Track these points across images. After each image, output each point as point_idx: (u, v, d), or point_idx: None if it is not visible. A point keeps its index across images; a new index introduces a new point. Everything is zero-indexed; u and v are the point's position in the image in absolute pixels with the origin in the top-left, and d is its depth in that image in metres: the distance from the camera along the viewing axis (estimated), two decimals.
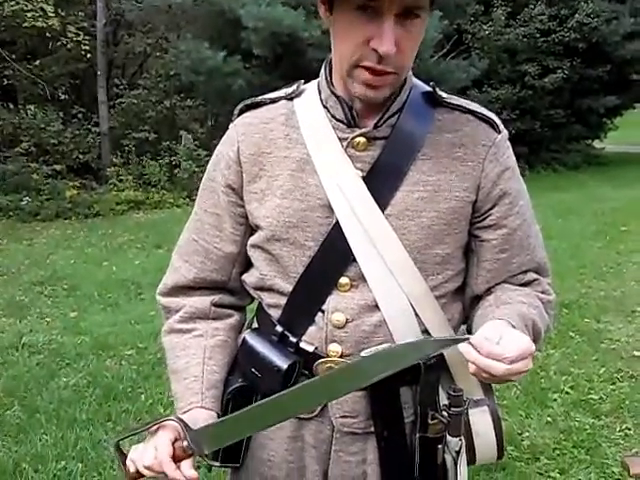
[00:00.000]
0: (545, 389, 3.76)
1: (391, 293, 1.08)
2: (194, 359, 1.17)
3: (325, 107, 1.11)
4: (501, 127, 1.14)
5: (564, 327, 4.73)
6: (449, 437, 1.08)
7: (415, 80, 1.15)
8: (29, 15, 11.91)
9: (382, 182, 1.08)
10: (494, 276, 1.15)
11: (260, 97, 1.19)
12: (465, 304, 1.20)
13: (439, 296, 1.12)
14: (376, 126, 1.08)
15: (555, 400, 3.63)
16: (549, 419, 3.42)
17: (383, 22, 0.96)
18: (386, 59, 0.98)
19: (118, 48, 15.36)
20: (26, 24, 12.02)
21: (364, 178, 1.08)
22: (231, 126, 1.19)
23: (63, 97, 14.57)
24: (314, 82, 1.17)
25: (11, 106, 14.91)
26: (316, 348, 1.11)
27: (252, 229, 1.17)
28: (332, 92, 1.10)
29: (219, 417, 1.13)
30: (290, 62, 11.61)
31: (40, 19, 12.00)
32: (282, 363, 1.10)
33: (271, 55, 11.57)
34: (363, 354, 1.07)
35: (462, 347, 0.94)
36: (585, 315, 5.03)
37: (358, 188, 1.07)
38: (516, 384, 3.74)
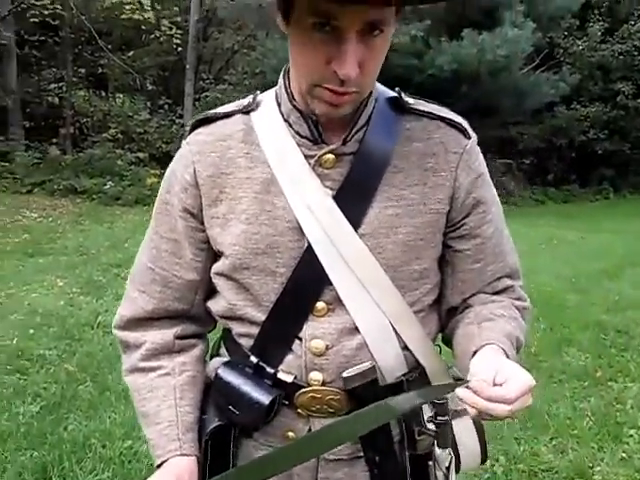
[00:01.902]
0: (621, 423, 3.57)
1: (370, 314, 1.03)
2: (165, 401, 1.10)
3: (287, 122, 1.03)
4: (471, 132, 1.09)
5: None
6: (438, 451, 1.03)
7: (380, 87, 1.06)
8: (127, 7, 12.39)
9: (353, 200, 1.01)
10: (469, 286, 1.11)
11: (213, 111, 1.09)
12: (441, 315, 1.15)
13: (417, 311, 1.07)
14: (344, 142, 1.01)
15: (631, 436, 3.44)
16: (624, 455, 3.25)
17: (344, 42, 0.87)
18: (348, 81, 0.90)
19: (207, 43, 15.75)
20: (123, 16, 12.49)
21: (334, 197, 1.01)
22: (184, 144, 1.09)
23: (151, 88, 15.05)
24: (270, 92, 1.08)
25: (102, 94, 15.55)
26: (295, 377, 1.05)
27: (215, 255, 1.09)
28: (294, 106, 1.01)
29: (199, 461, 1.08)
30: None
31: (137, 12, 12.45)
32: (263, 398, 1.03)
33: None
34: (345, 375, 1.03)
35: (461, 392, 0.89)
36: None
37: (329, 208, 1.00)
38: (589, 414, 3.59)
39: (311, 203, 1.01)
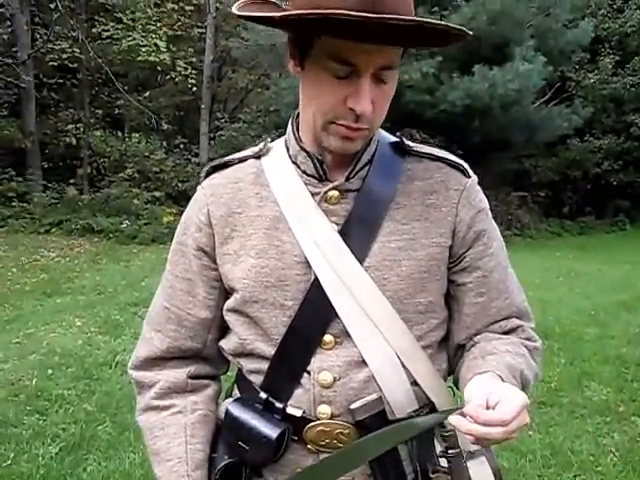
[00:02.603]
0: None
1: (377, 347, 1.05)
2: (175, 439, 1.12)
3: (295, 163, 1.09)
4: (470, 172, 1.13)
5: None
6: None
7: (381, 131, 1.12)
8: (143, 50, 12.66)
9: (358, 234, 1.05)
10: (473, 321, 1.12)
11: (228, 157, 1.16)
12: (449, 354, 1.16)
13: (425, 346, 1.09)
14: (348, 178, 1.06)
15: None
16: None
17: (360, 82, 0.95)
18: (362, 117, 0.97)
19: (222, 83, 16.03)
20: (140, 58, 12.77)
21: (340, 231, 1.05)
22: (199, 189, 1.15)
23: (167, 127, 15.29)
24: (281, 140, 1.15)
25: (119, 134, 15.81)
26: (304, 412, 1.06)
27: (227, 293, 1.13)
28: (301, 147, 1.08)
29: None
30: None
31: (153, 54, 12.71)
32: (271, 432, 1.04)
33: None
34: (353, 407, 1.03)
35: (453, 420, 0.89)
36: None
37: (335, 242, 1.05)
38: (613, 451, 3.52)
39: (318, 238, 1.05)
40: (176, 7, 13.73)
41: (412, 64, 11.30)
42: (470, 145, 11.94)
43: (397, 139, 1.13)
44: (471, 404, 0.90)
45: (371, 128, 1.02)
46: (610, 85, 14.75)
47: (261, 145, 1.15)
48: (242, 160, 1.15)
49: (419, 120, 11.53)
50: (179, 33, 14.12)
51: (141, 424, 1.17)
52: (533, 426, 3.68)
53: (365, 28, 0.86)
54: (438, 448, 1.07)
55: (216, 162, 1.17)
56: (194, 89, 13.86)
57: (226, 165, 1.15)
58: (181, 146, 14.66)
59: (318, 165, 1.07)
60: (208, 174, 1.16)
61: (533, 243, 13.22)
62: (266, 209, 1.09)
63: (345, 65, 0.94)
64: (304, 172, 1.08)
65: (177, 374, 1.16)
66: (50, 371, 4.50)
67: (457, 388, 1.17)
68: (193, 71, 13.56)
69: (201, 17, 14.46)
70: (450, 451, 0.99)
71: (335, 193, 1.06)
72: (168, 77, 14.18)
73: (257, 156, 1.14)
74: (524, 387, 1.05)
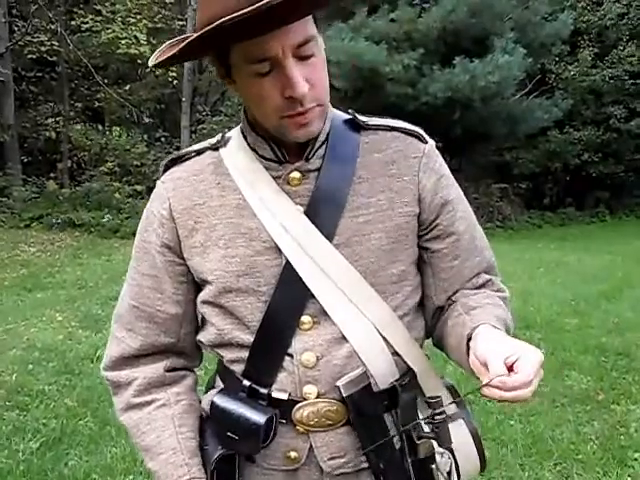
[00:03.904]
0: (625, 447, 3.54)
1: (355, 322, 1.06)
2: (165, 431, 1.11)
3: (253, 149, 1.09)
4: (427, 138, 1.14)
5: None
6: (438, 458, 1.06)
7: (335, 110, 1.13)
8: (123, 42, 12.54)
9: (324, 213, 1.06)
10: (451, 283, 1.15)
11: (185, 150, 1.16)
12: (427, 317, 1.19)
13: (402, 315, 1.11)
14: (307, 159, 1.06)
15: (636, 460, 3.41)
16: (629, 479, 3.23)
17: (285, 70, 0.94)
18: (304, 99, 0.97)
19: (203, 76, 15.92)
20: (120, 51, 12.65)
21: (305, 212, 1.06)
22: (159, 183, 1.14)
23: (148, 121, 15.17)
24: (237, 129, 1.14)
25: (99, 127, 15.68)
26: (290, 394, 1.07)
27: (197, 286, 1.13)
28: (257, 133, 1.08)
29: None
30: (370, 96, 11.71)
31: (133, 46, 12.60)
32: (259, 418, 1.04)
33: (351, 88, 11.70)
34: (338, 383, 1.05)
35: (487, 392, 0.91)
36: None
37: (302, 223, 1.05)
38: (593, 438, 3.56)
39: (284, 221, 1.05)
40: None
41: (393, 57, 11.31)
42: (452, 137, 11.99)
43: (350, 115, 1.13)
44: (495, 376, 0.90)
45: (320, 102, 1.01)
46: (589, 77, 14.87)
47: (218, 136, 1.14)
48: (199, 152, 1.14)
49: (401, 113, 11.49)
50: (159, 25, 14.00)
51: (125, 423, 1.16)
52: (514, 415, 3.72)
53: (258, 20, 0.85)
54: (421, 415, 1.09)
55: (174, 155, 1.15)
56: (175, 82, 13.77)
57: (184, 158, 1.14)
58: (162, 139, 14.57)
59: (276, 148, 1.07)
60: (167, 168, 1.14)
61: (514, 235, 13.32)
62: (228, 198, 1.08)
63: (263, 62, 0.94)
64: (263, 157, 1.08)
65: (153, 369, 1.15)
66: (30, 366, 4.47)
67: (439, 347, 1.19)
68: None
69: (181, 9, 14.35)
70: (436, 417, 1.00)
71: (296, 174, 1.06)
72: (148, 70, 14.07)
73: (215, 147, 1.13)
74: (508, 334, 1.06)
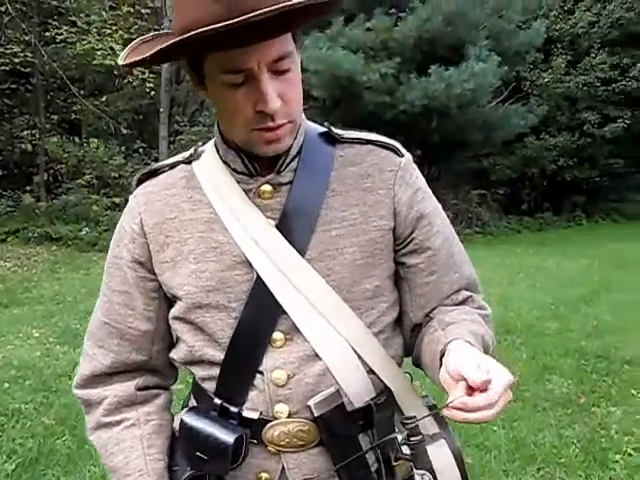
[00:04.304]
0: (606, 449, 3.56)
1: (329, 339, 1.03)
2: (133, 452, 1.09)
3: (225, 163, 1.06)
4: (403, 151, 1.12)
5: (625, 384, 4.52)
6: (417, 478, 1.02)
7: (309, 123, 1.11)
8: (99, 53, 12.45)
9: (296, 227, 1.03)
10: (428, 300, 1.12)
11: (157, 164, 1.14)
12: (405, 335, 1.16)
13: (378, 332, 1.07)
14: (279, 172, 1.04)
15: (617, 462, 3.43)
16: None
17: (259, 83, 0.93)
18: (276, 114, 0.95)
19: (180, 86, 15.86)
20: (95, 62, 12.56)
21: (277, 226, 1.03)
22: (131, 198, 1.12)
23: (125, 132, 15.07)
24: (211, 142, 1.12)
25: (76, 139, 15.53)
26: (261, 413, 1.04)
27: (169, 302, 1.11)
28: (229, 146, 1.06)
29: None
30: (347, 105, 11.77)
31: (109, 57, 12.51)
32: (228, 438, 1.01)
33: (329, 98, 11.74)
34: (310, 403, 1.02)
35: (447, 413, 0.88)
36: None
37: (273, 237, 1.02)
38: (575, 442, 3.58)
39: (255, 235, 1.03)
40: (132, 10, 13.54)
41: (370, 66, 11.37)
42: (430, 145, 12.08)
43: (325, 128, 1.11)
44: (457, 397, 0.87)
45: (292, 119, 0.99)
46: (563, 84, 15.10)
47: (191, 150, 1.12)
48: (172, 166, 1.12)
49: (379, 121, 11.59)
50: (135, 36, 13.85)
51: (94, 442, 1.14)
52: (497, 421, 3.72)
53: (236, 33, 0.84)
54: (399, 435, 1.06)
55: (146, 170, 1.13)
56: (152, 93, 13.70)
57: (157, 172, 1.12)
58: (140, 150, 14.47)
59: (247, 161, 1.04)
60: (139, 182, 1.12)
61: (493, 240, 13.41)
62: (200, 212, 1.06)
63: (237, 73, 0.93)
64: (235, 170, 1.06)
65: (124, 388, 1.13)
66: (7, 384, 4.38)
67: (417, 366, 1.16)
68: (151, 74, 13.38)
69: (158, 20, 14.29)
70: (412, 438, 0.98)
71: (268, 187, 1.04)
72: (125, 81, 13.99)
73: (187, 161, 1.11)
74: (486, 352, 1.04)
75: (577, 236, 14.13)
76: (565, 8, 16.02)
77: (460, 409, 0.86)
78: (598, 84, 15.06)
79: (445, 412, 0.88)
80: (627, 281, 8.01)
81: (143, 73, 13.20)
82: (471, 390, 0.87)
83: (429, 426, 1.07)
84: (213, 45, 0.88)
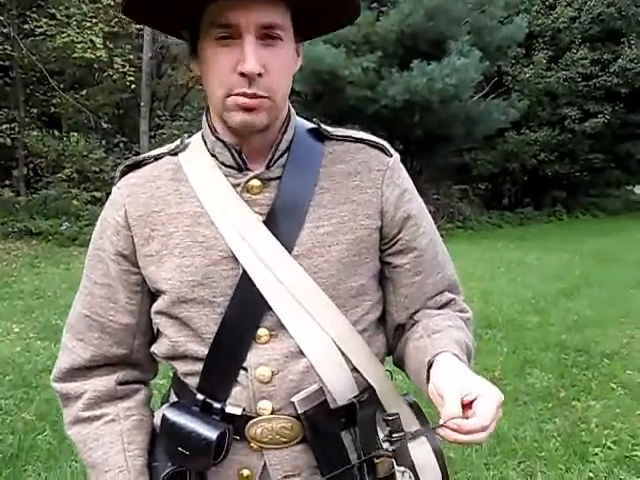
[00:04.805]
0: (586, 443, 3.61)
1: (313, 336, 1.03)
2: (112, 448, 1.08)
3: (213, 155, 1.05)
4: (392, 151, 1.12)
5: (605, 378, 4.58)
6: (399, 476, 1.02)
7: (299, 119, 1.11)
8: (79, 47, 12.31)
9: (284, 223, 1.03)
10: (412, 300, 1.12)
11: (142, 156, 1.12)
12: (388, 335, 1.16)
13: (362, 330, 1.08)
14: (268, 167, 1.03)
15: (597, 454, 3.48)
16: (591, 475, 3.27)
17: (243, 43, 0.94)
18: (255, 81, 0.94)
19: (161, 80, 15.76)
20: (75, 55, 12.42)
21: (265, 222, 1.02)
22: (114, 189, 1.10)
23: (106, 126, 14.92)
24: (198, 134, 1.11)
25: (56, 133, 15.36)
26: (244, 410, 1.03)
27: (152, 296, 1.09)
28: (217, 138, 1.04)
29: None
30: (330, 99, 11.75)
31: (89, 50, 12.38)
32: (210, 434, 0.99)
33: (311, 92, 11.72)
34: (294, 399, 1.02)
35: (441, 432, 0.88)
36: (627, 367, 4.85)
37: (260, 233, 1.02)
38: (555, 435, 3.62)
39: (242, 230, 1.02)
40: (112, 3, 13.37)
41: (352, 60, 11.37)
42: (412, 140, 12.11)
43: (314, 125, 1.10)
44: (451, 419, 0.87)
45: (272, 97, 0.97)
46: (544, 79, 15.21)
47: (177, 142, 1.11)
48: (158, 158, 1.10)
49: (361, 115, 11.61)
50: (116, 29, 13.77)
51: (73, 438, 1.12)
52: None
53: None
54: (381, 433, 1.06)
55: (131, 161, 1.11)
56: (133, 87, 13.58)
57: (141, 164, 1.10)
58: (121, 145, 14.34)
59: (236, 155, 1.03)
60: (123, 174, 1.10)
61: (475, 235, 13.50)
62: (186, 205, 1.05)
63: (226, 28, 0.94)
64: (223, 163, 1.04)
65: (104, 382, 1.12)
66: None
67: (399, 367, 1.17)
68: (131, 68, 13.26)
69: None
70: (394, 435, 0.97)
71: (256, 182, 1.03)
72: (106, 74, 13.84)
73: (174, 153, 1.10)
74: (469, 358, 1.05)
75: (558, 230, 14.27)
76: (546, 3, 16.13)
77: (453, 429, 0.87)
78: (579, 79, 15.19)
79: (439, 431, 0.89)
80: (607, 276, 8.12)
81: (124, 67, 13.09)
82: (464, 408, 0.87)
83: (409, 422, 1.08)
84: None
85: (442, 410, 0.88)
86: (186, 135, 1.13)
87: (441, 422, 0.88)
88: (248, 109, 0.97)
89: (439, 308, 1.14)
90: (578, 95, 15.32)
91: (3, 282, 7.81)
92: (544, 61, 15.27)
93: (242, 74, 0.94)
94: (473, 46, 11.83)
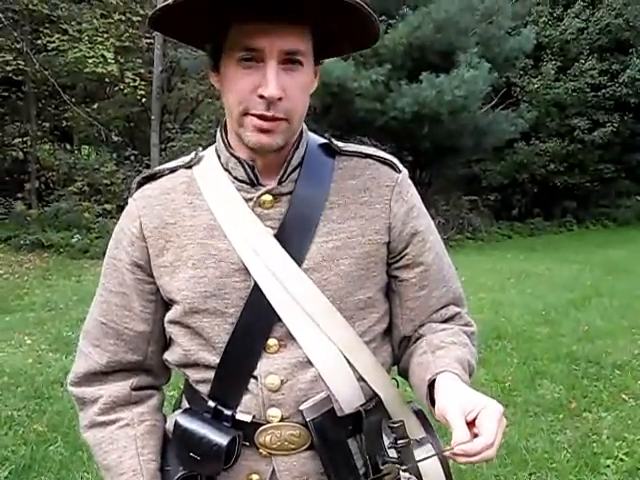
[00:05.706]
0: (597, 454, 3.59)
1: (321, 346, 1.06)
2: (127, 452, 1.11)
3: (226, 170, 1.09)
4: (400, 167, 1.15)
5: (616, 389, 4.55)
6: None
7: (311, 134, 1.14)
8: (90, 61, 12.43)
9: (294, 237, 1.06)
10: (418, 314, 1.15)
11: (158, 168, 1.16)
12: (394, 346, 1.19)
13: (369, 341, 1.11)
14: (280, 182, 1.07)
15: (608, 466, 3.46)
16: None
17: (266, 67, 0.97)
18: (274, 105, 0.98)
19: (172, 94, 15.86)
20: (87, 70, 12.54)
21: (276, 235, 1.06)
22: (130, 201, 1.14)
23: (117, 139, 15.04)
24: (212, 148, 1.14)
25: (67, 147, 15.50)
26: (254, 417, 1.06)
27: (166, 305, 1.13)
28: (231, 154, 1.08)
29: None
30: (339, 111, 11.79)
31: (100, 65, 12.50)
32: (221, 440, 1.03)
33: (320, 105, 11.76)
34: (302, 407, 1.05)
35: (450, 455, 0.92)
36: (639, 377, 4.83)
37: (271, 246, 1.05)
38: (566, 447, 3.60)
39: (254, 243, 1.05)
40: (123, 18, 13.53)
41: (361, 72, 11.41)
42: (421, 151, 12.12)
43: (325, 140, 1.14)
44: (459, 440, 0.90)
45: (289, 120, 1.01)
46: (553, 90, 15.20)
47: (192, 155, 1.14)
48: (173, 170, 1.14)
49: (370, 127, 11.64)
50: (127, 44, 13.90)
51: (88, 441, 1.16)
52: None
53: (265, 4, 0.90)
54: (386, 440, 1.09)
55: (146, 173, 1.15)
56: (143, 100, 13.68)
57: (157, 176, 1.14)
58: (132, 158, 14.43)
59: (249, 170, 1.07)
60: (139, 185, 1.14)
61: (484, 246, 13.46)
62: (200, 218, 1.08)
63: (251, 51, 0.97)
64: (236, 178, 1.08)
65: (120, 387, 1.15)
66: None
67: (404, 378, 1.20)
68: (142, 82, 13.37)
69: (149, 28, 14.28)
70: (399, 442, 0.99)
71: (268, 197, 1.07)
72: (117, 88, 13.96)
73: (188, 166, 1.13)
74: (470, 375, 1.08)
75: (568, 241, 14.20)
76: (554, 14, 16.15)
77: (463, 454, 0.89)
78: (587, 90, 15.17)
79: (449, 454, 0.92)
80: (618, 286, 8.07)
81: (134, 80, 13.20)
82: (469, 425, 0.90)
83: (415, 429, 1.10)
84: (241, 10, 0.94)
85: (452, 434, 0.91)
86: (200, 148, 1.17)
87: (450, 447, 0.91)
88: (265, 131, 1.00)
89: (444, 321, 1.17)
90: (587, 105, 15.30)
91: (15, 294, 7.86)
92: (552, 72, 15.26)
93: (262, 96, 0.97)
94: (481, 57, 11.85)
